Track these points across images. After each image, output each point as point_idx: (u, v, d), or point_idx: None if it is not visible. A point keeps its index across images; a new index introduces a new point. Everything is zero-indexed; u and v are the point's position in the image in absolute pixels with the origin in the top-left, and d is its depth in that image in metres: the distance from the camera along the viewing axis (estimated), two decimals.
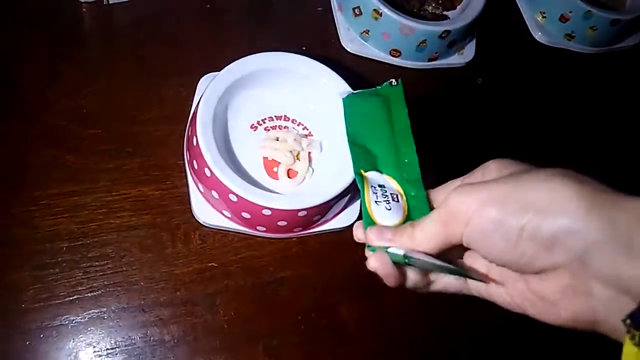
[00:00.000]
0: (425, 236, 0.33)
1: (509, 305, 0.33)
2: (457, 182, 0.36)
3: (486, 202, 0.29)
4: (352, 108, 0.46)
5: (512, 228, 0.28)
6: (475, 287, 0.36)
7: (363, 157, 0.42)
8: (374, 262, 0.35)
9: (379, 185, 0.39)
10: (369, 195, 0.38)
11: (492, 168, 0.33)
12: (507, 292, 0.33)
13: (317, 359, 0.53)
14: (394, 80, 0.44)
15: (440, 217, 0.32)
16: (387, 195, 0.38)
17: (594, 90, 0.76)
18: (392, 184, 0.40)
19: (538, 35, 0.75)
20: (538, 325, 0.31)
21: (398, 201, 0.38)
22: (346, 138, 0.43)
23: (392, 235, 0.35)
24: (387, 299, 0.56)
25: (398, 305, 0.56)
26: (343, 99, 0.47)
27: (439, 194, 0.37)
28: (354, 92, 0.48)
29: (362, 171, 0.40)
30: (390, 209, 0.37)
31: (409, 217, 0.37)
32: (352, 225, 0.56)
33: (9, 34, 0.59)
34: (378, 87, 0.46)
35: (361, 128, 0.44)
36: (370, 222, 0.37)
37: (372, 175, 0.40)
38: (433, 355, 0.56)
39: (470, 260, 0.36)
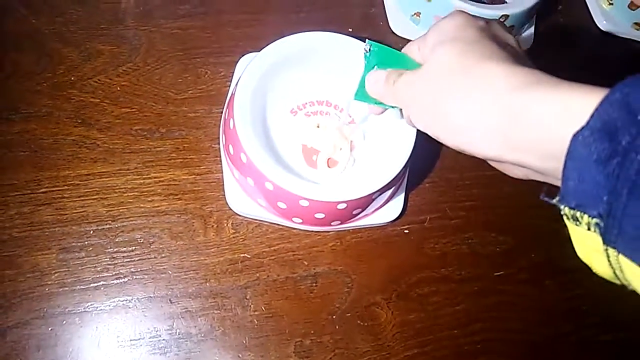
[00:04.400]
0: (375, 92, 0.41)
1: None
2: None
3: (419, 79, 0.35)
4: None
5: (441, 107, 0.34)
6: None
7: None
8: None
9: None
10: None
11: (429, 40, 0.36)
12: None
13: (351, 358, 0.49)
14: (364, 47, 0.41)
15: (387, 88, 0.39)
16: None
17: None
18: None
19: (603, 24, 0.69)
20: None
21: None
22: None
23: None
24: (429, 306, 0.53)
25: (442, 313, 0.52)
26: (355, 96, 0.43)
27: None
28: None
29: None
30: None
31: None
32: (393, 221, 0.53)
33: (47, 10, 0.57)
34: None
35: None
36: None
37: None
38: None
39: None
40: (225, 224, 0.51)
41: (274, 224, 0.52)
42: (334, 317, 0.50)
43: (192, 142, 0.54)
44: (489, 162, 0.34)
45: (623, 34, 0.69)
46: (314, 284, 0.51)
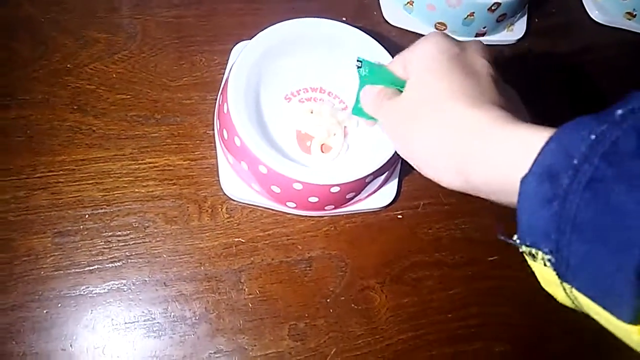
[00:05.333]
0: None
1: None
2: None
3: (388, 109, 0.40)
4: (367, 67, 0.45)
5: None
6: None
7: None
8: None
9: None
10: None
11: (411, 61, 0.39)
12: None
13: (346, 344, 0.49)
14: (356, 62, 0.44)
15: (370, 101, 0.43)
16: None
17: None
18: None
19: (595, 14, 0.70)
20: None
21: None
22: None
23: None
24: (423, 290, 0.53)
25: (435, 297, 0.53)
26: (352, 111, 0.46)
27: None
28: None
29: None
30: None
31: None
32: (387, 206, 0.54)
33: None
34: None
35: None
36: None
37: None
38: (469, 353, 0.52)
39: None
40: (220, 209, 0.52)
41: (268, 208, 0.52)
42: (328, 300, 0.50)
43: (186, 129, 0.54)
44: None
45: (615, 23, 0.70)
46: (308, 268, 0.51)
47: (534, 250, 0.27)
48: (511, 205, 0.29)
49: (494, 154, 0.30)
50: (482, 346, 0.52)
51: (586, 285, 0.25)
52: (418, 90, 0.37)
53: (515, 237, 0.29)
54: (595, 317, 0.26)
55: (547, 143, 0.27)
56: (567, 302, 0.28)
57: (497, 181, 0.30)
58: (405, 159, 0.38)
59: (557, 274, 0.26)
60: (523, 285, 0.55)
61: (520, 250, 0.28)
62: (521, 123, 0.30)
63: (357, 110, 0.45)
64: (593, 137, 0.25)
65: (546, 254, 0.26)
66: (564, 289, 0.27)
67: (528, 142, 0.28)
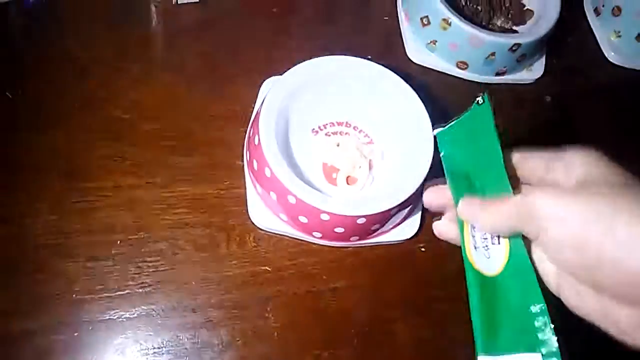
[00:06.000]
0: (494, 220, 0.32)
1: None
2: (541, 162, 0.33)
3: (571, 214, 0.28)
4: (447, 142, 0.41)
5: (593, 250, 0.27)
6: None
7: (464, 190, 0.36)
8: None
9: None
10: (468, 240, 0.35)
11: (577, 164, 0.31)
12: (565, 295, 0.31)
13: None
14: (480, 97, 0.37)
15: (516, 210, 0.30)
16: (485, 239, 0.34)
17: None
18: None
19: (611, 56, 0.72)
20: None
21: (500, 243, 0.33)
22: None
23: (479, 208, 0.33)
24: (447, 324, 0.53)
25: (459, 331, 0.53)
26: (437, 134, 0.42)
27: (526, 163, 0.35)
28: (445, 125, 0.42)
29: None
30: (489, 257, 0.34)
31: (509, 263, 0.33)
32: (411, 238, 0.55)
33: (81, 31, 0.60)
34: (466, 112, 0.39)
35: (460, 164, 0.38)
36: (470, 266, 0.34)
37: None
38: None
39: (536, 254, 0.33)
40: (248, 238, 0.53)
41: (295, 238, 0.53)
42: (353, 330, 0.51)
43: (217, 159, 0.56)
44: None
45: (631, 65, 0.72)
46: (333, 299, 0.52)
47: None
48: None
49: None
50: None
51: None
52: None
53: None
54: None
55: None
56: None
57: None
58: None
59: None
60: None
61: None
62: None
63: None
64: None
65: None
66: None
67: None
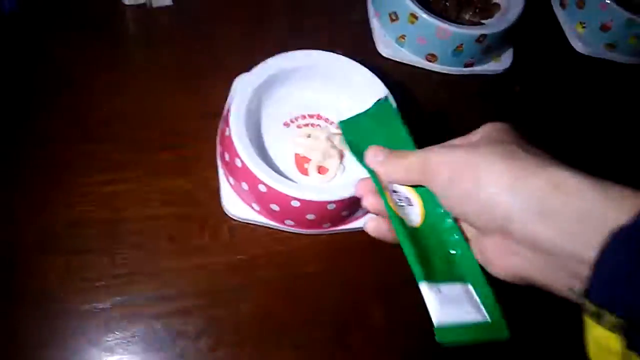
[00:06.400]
0: (397, 170, 0.36)
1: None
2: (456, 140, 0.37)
3: (447, 164, 0.33)
4: (350, 131, 0.44)
5: (460, 190, 0.32)
6: None
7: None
8: (359, 187, 0.39)
9: (393, 191, 0.37)
10: (389, 197, 0.37)
11: (481, 130, 0.35)
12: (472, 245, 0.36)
13: (344, 355, 0.50)
14: (382, 97, 0.44)
15: (416, 161, 0.35)
16: (402, 199, 0.37)
17: (637, 102, 0.73)
18: (403, 189, 0.38)
19: (578, 46, 0.74)
20: None
21: (413, 205, 0.37)
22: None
23: (383, 157, 0.37)
24: (415, 303, 0.53)
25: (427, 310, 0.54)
26: (339, 123, 0.45)
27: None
28: (349, 117, 0.45)
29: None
30: (409, 214, 0.36)
31: (426, 218, 0.36)
32: None
33: (57, 38, 0.62)
34: (369, 108, 0.44)
35: (363, 147, 0.41)
36: (393, 213, 0.36)
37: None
38: None
39: None
40: (221, 228, 0.54)
41: (268, 227, 0.54)
42: (326, 313, 0.52)
43: (190, 153, 0.57)
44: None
45: (597, 54, 0.74)
46: (307, 285, 0.53)
47: (602, 312, 0.25)
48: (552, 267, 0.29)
49: (576, 207, 0.27)
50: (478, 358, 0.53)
51: None
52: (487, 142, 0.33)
53: (581, 291, 0.26)
54: None
55: None
56: None
57: (568, 237, 0.27)
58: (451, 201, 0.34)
59: (628, 344, 0.24)
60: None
61: (584, 307, 0.26)
62: (605, 182, 0.28)
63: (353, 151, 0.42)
64: None
65: (619, 317, 0.24)
66: None
67: (627, 194, 0.26)
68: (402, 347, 0.52)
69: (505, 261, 0.32)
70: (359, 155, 0.40)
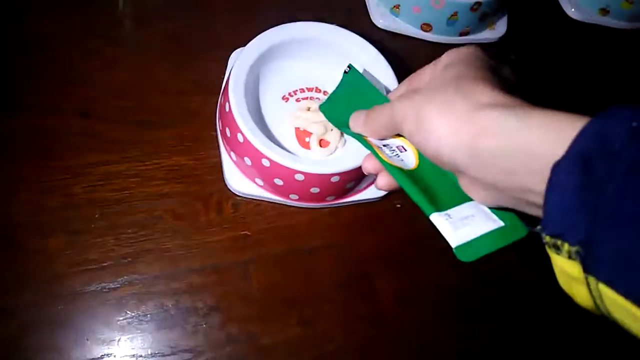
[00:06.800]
0: (375, 127, 0.39)
1: None
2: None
3: (406, 117, 0.35)
4: (331, 110, 0.46)
5: (419, 140, 0.34)
6: None
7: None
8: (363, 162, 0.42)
9: (384, 145, 0.39)
10: (380, 152, 0.38)
11: (444, 59, 0.37)
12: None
13: (353, 328, 0.51)
14: (346, 68, 0.46)
15: (389, 114, 0.37)
16: (394, 150, 0.38)
17: (630, 67, 0.74)
18: (392, 140, 0.39)
19: (571, 12, 0.74)
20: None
21: (406, 150, 0.38)
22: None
23: (362, 120, 0.40)
24: (422, 273, 0.55)
25: (434, 280, 0.55)
26: (319, 107, 0.47)
27: None
28: (325, 100, 0.49)
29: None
30: (402, 160, 0.38)
31: (420, 158, 0.38)
32: (386, 196, 0.56)
33: (48, 15, 0.60)
34: (339, 82, 0.47)
35: (346, 118, 0.43)
36: (387, 164, 0.37)
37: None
38: (472, 332, 0.54)
39: None
40: (226, 205, 0.54)
41: (272, 202, 0.54)
42: (334, 286, 0.52)
43: (191, 131, 0.57)
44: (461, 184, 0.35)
45: (590, 20, 0.74)
46: (313, 257, 0.53)
47: (559, 242, 0.26)
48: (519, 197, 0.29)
49: (523, 134, 0.28)
50: (485, 326, 0.54)
51: (620, 280, 0.24)
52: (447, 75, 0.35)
53: (538, 226, 0.27)
54: (623, 319, 0.24)
55: (584, 129, 0.25)
56: (587, 302, 0.26)
57: (514, 177, 0.29)
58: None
59: (584, 268, 0.25)
60: (521, 269, 0.57)
61: (543, 241, 0.27)
62: (550, 111, 0.28)
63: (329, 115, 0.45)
64: (635, 124, 0.24)
65: (573, 244, 0.25)
66: (588, 285, 0.25)
67: (562, 126, 0.27)
68: (412, 317, 0.53)
69: (481, 195, 0.33)
70: (347, 128, 0.42)
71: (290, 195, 0.53)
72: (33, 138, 0.53)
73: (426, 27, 0.66)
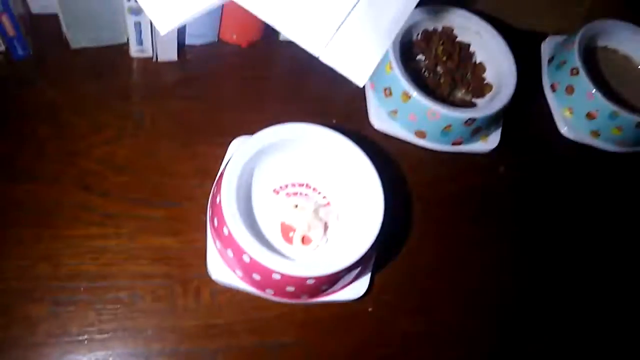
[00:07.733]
0: None
1: None
2: None
3: None
4: None
5: None
6: None
7: None
8: None
9: None
10: None
11: None
12: None
13: None
14: None
15: None
16: None
17: (617, 190, 0.76)
18: None
19: (564, 130, 0.77)
20: None
21: None
22: None
23: None
24: None
25: None
26: None
27: None
28: None
29: None
30: None
31: None
32: (359, 298, 0.58)
33: (63, 83, 0.64)
34: None
35: None
36: None
37: None
38: None
39: None
40: (204, 291, 0.56)
41: (249, 293, 0.57)
42: None
43: (182, 213, 0.59)
44: None
45: (582, 140, 0.77)
46: (282, 353, 0.55)
47: None
48: None
49: None
50: None
51: None
52: None
53: None
54: None
55: None
56: None
57: None
58: None
59: None
60: None
61: None
62: None
63: None
64: None
65: None
66: None
67: None
68: None
69: None
70: None
71: (267, 290, 0.55)
72: (33, 204, 0.57)
73: (420, 134, 0.69)
